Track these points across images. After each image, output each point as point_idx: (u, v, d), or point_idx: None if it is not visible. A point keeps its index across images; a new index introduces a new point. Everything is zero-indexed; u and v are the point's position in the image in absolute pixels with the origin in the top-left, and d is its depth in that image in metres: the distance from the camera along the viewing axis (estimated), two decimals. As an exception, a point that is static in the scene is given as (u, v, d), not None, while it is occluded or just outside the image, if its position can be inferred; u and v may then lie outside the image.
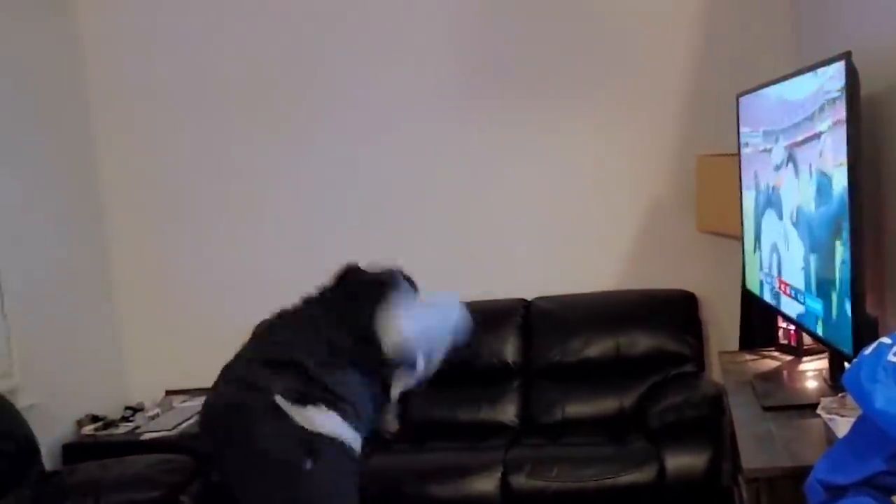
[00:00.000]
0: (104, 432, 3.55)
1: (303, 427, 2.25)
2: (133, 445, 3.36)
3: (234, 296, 3.90)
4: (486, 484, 3.04)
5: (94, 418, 3.62)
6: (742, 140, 2.81)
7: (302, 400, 2.27)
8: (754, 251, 2.73)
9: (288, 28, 3.80)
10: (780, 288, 2.47)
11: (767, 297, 2.62)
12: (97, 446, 3.43)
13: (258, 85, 3.82)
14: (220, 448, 2.38)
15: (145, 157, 3.95)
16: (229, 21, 3.83)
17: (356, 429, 2.36)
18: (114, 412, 3.71)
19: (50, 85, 3.72)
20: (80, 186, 3.86)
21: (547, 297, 3.66)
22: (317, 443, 2.25)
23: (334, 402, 2.31)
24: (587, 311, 3.56)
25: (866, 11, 2.31)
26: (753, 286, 2.80)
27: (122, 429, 3.56)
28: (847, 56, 1.87)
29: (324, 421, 2.28)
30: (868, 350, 1.37)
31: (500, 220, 3.76)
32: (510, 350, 3.54)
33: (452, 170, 3.76)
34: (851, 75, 1.86)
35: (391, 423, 2.76)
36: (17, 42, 3.51)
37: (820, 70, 2.02)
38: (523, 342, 3.56)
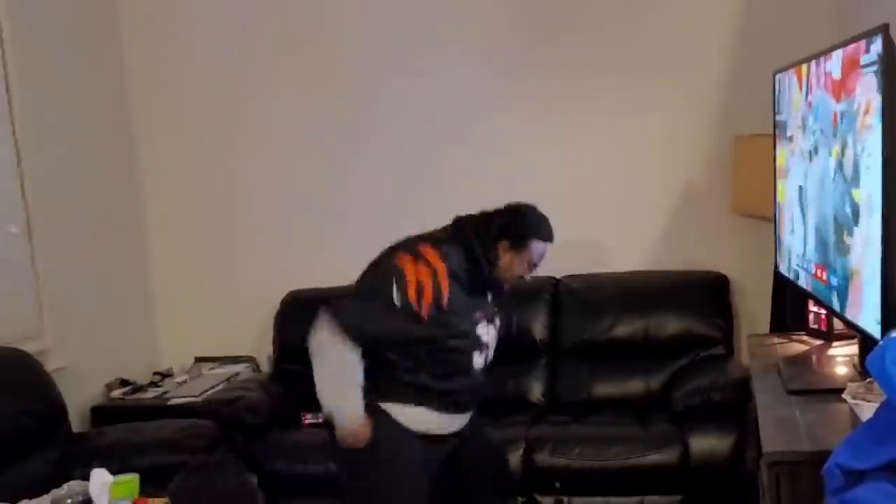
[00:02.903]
0: (132, 396, 3.62)
1: None
2: (160, 410, 3.42)
3: (266, 267, 3.95)
4: (510, 460, 3.04)
5: (124, 382, 3.69)
6: (779, 120, 2.75)
7: None
8: (791, 233, 2.67)
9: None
10: (814, 272, 2.42)
11: (801, 281, 2.57)
12: (125, 410, 3.50)
13: (302, 55, 3.83)
14: None
15: (184, 128, 3.98)
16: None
17: None
18: (143, 377, 3.78)
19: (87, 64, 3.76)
20: (116, 153, 3.90)
21: (576, 276, 3.63)
22: None
23: None
24: (616, 290, 3.53)
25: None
26: (787, 269, 2.75)
27: (150, 394, 3.63)
28: (885, 29, 1.80)
29: None
30: (894, 333, 1.34)
31: (532, 197, 3.72)
32: (538, 328, 3.53)
33: (485, 149, 3.74)
34: (889, 49, 1.79)
35: None
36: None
37: (855, 44, 1.95)
38: (551, 320, 3.55)
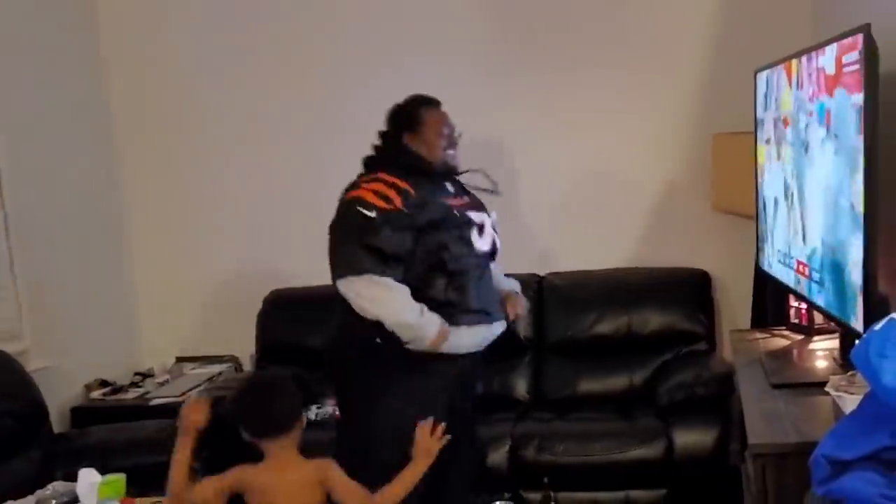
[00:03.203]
0: (113, 397, 3.59)
1: None
2: (141, 410, 3.40)
3: (248, 265, 3.92)
4: (495, 457, 3.07)
5: (104, 383, 3.66)
6: (759, 116, 2.78)
7: None
8: (772, 230, 2.71)
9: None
10: (795, 267, 2.45)
11: (782, 276, 2.61)
12: (106, 410, 3.47)
13: (283, 54, 3.81)
14: None
15: (164, 126, 3.95)
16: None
17: None
18: (123, 378, 3.75)
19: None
20: (95, 152, 3.86)
21: (560, 274, 3.66)
22: None
23: None
24: (600, 287, 3.56)
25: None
26: (768, 265, 2.78)
27: (131, 394, 3.60)
28: (866, 29, 1.84)
29: None
30: (878, 326, 1.36)
31: (514, 195, 3.74)
32: (522, 325, 3.54)
33: (468, 148, 3.71)
34: (870, 49, 1.83)
35: None
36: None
37: (837, 44, 1.98)
38: (535, 318, 3.56)
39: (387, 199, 2.46)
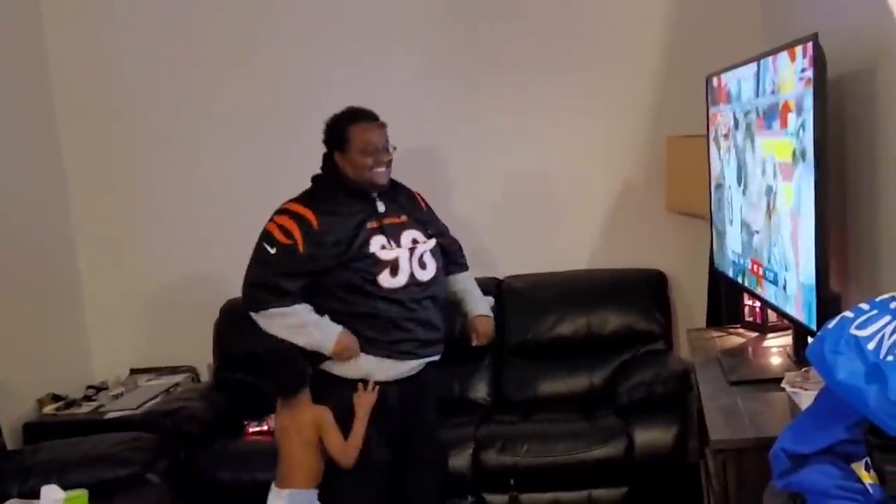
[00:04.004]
0: (66, 412, 3.50)
1: None
2: (96, 424, 3.32)
3: (203, 274, 3.87)
4: (458, 461, 3.07)
5: (56, 397, 3.57)
6: (711, 118, 2.84)
7: None
8: (725, 230, 2.77)
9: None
10: (749, 266, 2.52)
11: (736, 276, 2.67)
12: (59, 425, 3.38)
13: (234, 57, 3.76)
14: None
15: (112, 131, 3.87)
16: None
17: None
18: (76, 391, 3.66)
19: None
20: (41, 160, 3.77)
21: (519, 276, 3.68)
22: None
23: None
24: (558, 289, 3.59)
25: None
26: (722, 265, 2.85)
27: (85, 408, 3.52)
28: (814, 37, 1.89)
29: None
30: (831, 324, 1.40)
31: (472, 199, 3.77)
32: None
33: (422, 150, 3.75)
34: (818, 57, 1.88)
35: None
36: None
37: (787, 51, 2.04)
38: (495, 320, 3.55)
39: (289, 234, 2.50)
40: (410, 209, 2.69)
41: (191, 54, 3.78)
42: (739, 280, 2.62)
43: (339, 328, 2.51)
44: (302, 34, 3.74)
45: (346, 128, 2.57)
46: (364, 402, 2.51)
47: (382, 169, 2.58)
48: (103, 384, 3.78)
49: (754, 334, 2.70)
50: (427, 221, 2.71)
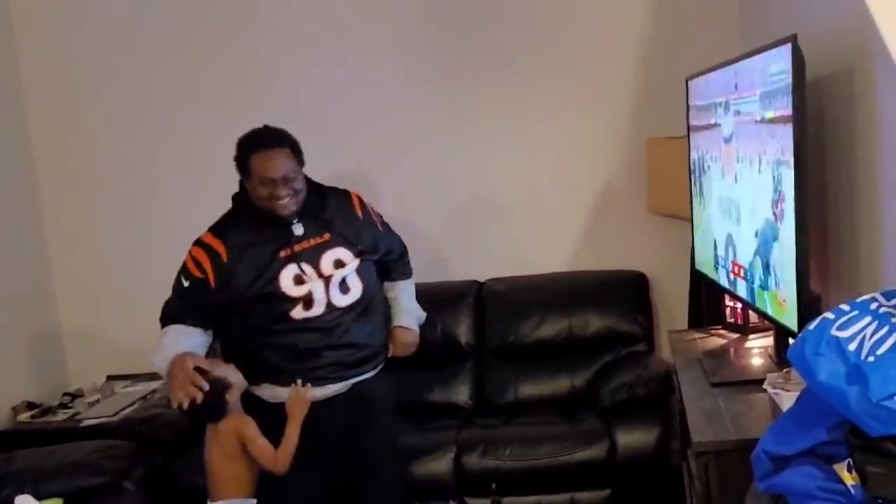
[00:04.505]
0: (41, 419, 3.43)
1: None
2: (72, 432, 3.25)
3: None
4: (440, 464, 3.06)
5: (31, 405, 3.50)
6: (692, 119, 2.85)
7: None
8: (706, 231, 2.78)
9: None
10: (730, 268, 2.52)
11: (715, 276, 2.67)
12: (34, 433, 3.31)
13: (210, 56, 3.72)
14: None
15: (83, 131, 3.81)
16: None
17: None
18: (51, 399, 3.60)
19: None
20: (13, 169, 3.70)
21: (500, 279, 3.67)
22: None
23: None
24: (540, 292, 3.58)
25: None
26: (704, 266, 2.85)
27: (61, 415, 3.45)
28: (793, 39, 1.90)
29: None
30: (812, 325, 1.40)
31: (452, 202, 3.76)
32: (463, 331, 3.55)
33: (402, 153, 3.74)
34: (797, 59, 1.89)
35: None
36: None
37: (766, 53, 2.05)
38: (476, 324, 3.57)
39: (201, 267, 2.42)
40: (337, 223, 2.48)
41: (168, 62, 3.73)
42: (721, 280, 2.63)
43: (169, 360, 2.37)
44: (281, 35, 3.71)
45: (247, 156, 2.39)
46: (297, 405, 2.42)
47: (284, 201, 2.36)
48: (79, 391, 3.71)
49: (736, 335, 2.71)
50: (359, 233, 2.51)
